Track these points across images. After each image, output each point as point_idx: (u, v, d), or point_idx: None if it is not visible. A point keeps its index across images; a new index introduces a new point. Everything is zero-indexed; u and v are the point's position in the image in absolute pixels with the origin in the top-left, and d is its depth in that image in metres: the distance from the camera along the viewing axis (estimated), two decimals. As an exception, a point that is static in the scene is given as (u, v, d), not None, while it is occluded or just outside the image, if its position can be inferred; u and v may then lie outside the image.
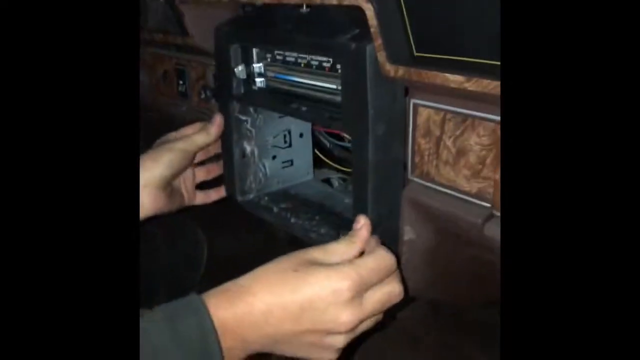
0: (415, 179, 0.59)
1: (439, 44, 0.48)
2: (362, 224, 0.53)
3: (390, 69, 0.52)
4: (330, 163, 0.82)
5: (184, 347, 0.45)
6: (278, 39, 0.65)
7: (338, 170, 0.82)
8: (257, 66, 0.70)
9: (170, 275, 1.31)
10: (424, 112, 0.56)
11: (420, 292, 0.65)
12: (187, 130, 0.77)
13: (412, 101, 0.57)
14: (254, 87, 0.72)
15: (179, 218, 0.84)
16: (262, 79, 0.71)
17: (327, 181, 0.83)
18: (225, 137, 0.76)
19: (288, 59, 0.66)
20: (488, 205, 0.52)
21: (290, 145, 0.80)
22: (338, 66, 0.59)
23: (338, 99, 0.60)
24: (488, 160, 0.51)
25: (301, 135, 0.80)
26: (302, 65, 0.64)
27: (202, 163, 0.81)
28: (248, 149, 0.77)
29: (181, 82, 0.92)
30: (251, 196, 0.79)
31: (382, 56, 0.52)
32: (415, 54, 0.49)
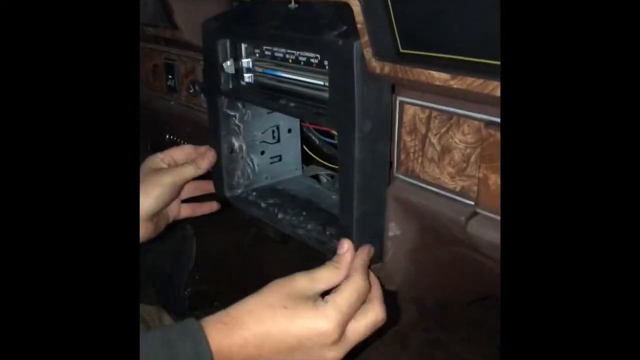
0: (401, 176, 0.60)
1: (424, 41, 0.48)
2: (346, 248, 0.55)
3: (376, 65, 0.53)
4: (319, 160, 0.82)
5: None
6: (266, 35, 0.65)
7: (326, 167, 0.82)
8: (246, 61, 0.70)
9: (158, 271, 1.31)
10: (410, 109, 0.57)
11: (405, 288, 0.65)
12: (176, 152, 0.76)
13: (399, 99, 0.57)
14: (242, 83, 0.72)
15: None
16: (250, 75, 0.71)
17: (316, 178, 0.83)
18: (213, 133, 0.76)
19: (276, 54, 0.66)
20: (471, 203, 0.53)
21: (278, 141, 0.80)
22: (326, 62, 0.59)
23: (325, 95, 0.60)
24: (472, 158, 0.52)
25: (290, 130, 0.80)
26: (290, 61, 0.64)
27: None
28: (236, 144, 0.76)
29: (170, 76, 0.92)
30: (239, 192, 0.79)
31: (368, 53, 0.53)
32: (401, 50, 0.49)
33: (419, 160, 0.57)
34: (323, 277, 0.54)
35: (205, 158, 0.74)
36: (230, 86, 0.72)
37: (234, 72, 0.70)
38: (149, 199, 0.70)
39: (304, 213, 0.72)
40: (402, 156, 0.59)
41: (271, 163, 0.80)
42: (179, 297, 1.29)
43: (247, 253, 1.24)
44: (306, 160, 0.84)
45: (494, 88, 0.44)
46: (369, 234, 0.60)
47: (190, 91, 0.84)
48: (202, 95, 0.82)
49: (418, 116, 0.56)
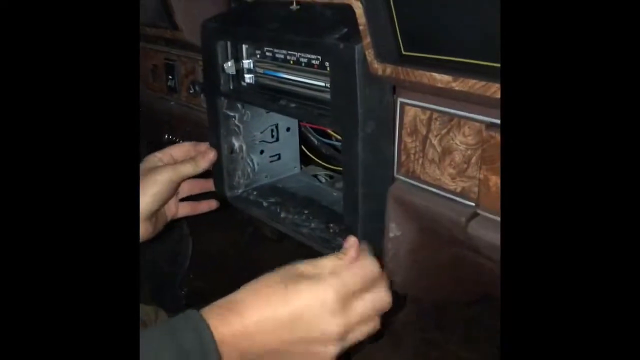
0: (401, 177, 0.60)
1: (426, 43, 0.48)
2: (352, 243, 0.54)
3: (378, 67, 0.53)
4: (318, 160, 0.83)
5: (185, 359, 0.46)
6: (267, 37, 0.65)
7: (325, 168, 0.83)
8: (247, 62, 0.71)
9: (155, 270, 1.31)
10: (411, 110, 0.57)
11: (404, 288, 0.66)
12: (175, 150, 0.76)
13: (400, 100, 0.58)
14: (243, 83, 0.72)
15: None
16: (251, 75, 0.71)
17: (314, 178, 0.84)
18: (213, 133, 0.76)
19: (277, 55, 0.67)
20: (472, 204, 0.53)
21: (277, 140, 0.80)
22: (327, 64, 0.60)
23: (327, 96, 0.60)
24: (473, 160, 0.52)
25: (288, 129, 0.81)
26: (291, 62, 0.65)
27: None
28: (236, 144, 0.77)
29: (170, 77, 0.92)
30: (240, 191, 0.79)
31: (370, 54, 0.53)
32: (403, 52, 0.50)
33: (420, 161, 0.58)
34: (326, 264, 0.52)
35: (205, 157, 0.74)
36: (231, 87, 0.72)
37: (234, 72, 0.71)
38: (145, 197, 0.70)
39: (306, 211, 0.72)
40: (403, 157, 0.59)
41: (270, 162, 0.81)
42: (175, 296, 1.29)
43: (244, 252, 1.24)
44: (305, 160, 0.84)
45: (496, 90, 0.45)
46: (373, 233, 0.61)
47: (191, 92, 0.84)
48: (202, 95, 0.82)
49: (419, 117, 0.57)
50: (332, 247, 0.65)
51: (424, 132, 0.56)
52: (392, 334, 0.84)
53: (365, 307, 0.51)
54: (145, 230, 0.72)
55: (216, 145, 0.76)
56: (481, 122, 0.51)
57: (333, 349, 0.50)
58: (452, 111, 0.53)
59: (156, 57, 0.96)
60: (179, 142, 0.96)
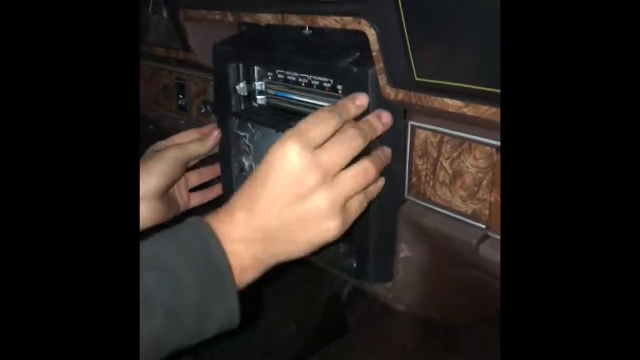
0: (412, 198, 0.61)
1: (439, 69, 0.49)
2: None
3: (390, 92, 0.54)
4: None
5: (188, 254, 0.47)
6: (279, 60, 0.67)
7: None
8: (259, 84, 0.72)
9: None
10: (422, 133, 0.58)
11: (414, 309, 0.66)
12: (180, 137, 0.78)
13: (410, 123, 0.59)
14: (254, 104, 0.73)
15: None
16: (262, 97, 0.72)
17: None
18: (224, 153, 0.77)
19: (289, 77, 0.68)
20: (483, 226, 0.54)
21: None
22: (339, 86, 0.61)
23: (338, 118, 0.61)
24: (484, 183, 0.53)
25: None
26: (303, 84, 0.66)
27: (193, 167, 0.82)
28: (246, 163, 0.78)
29: (181, 96, 0.93)
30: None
31: (382, 79, 0.54)
32: (417, 79, 0.51)
33: (431, 183, 0.58)
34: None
35: (212, 137, 0.75)
36: (242, 107, 0.73)
37: (246, 94, 0.72)
38: (151, 177, 0.70)
39: None
40: (414, 179, 0.60)
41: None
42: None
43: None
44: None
45: (508, 117, 0.46)
46: (384, 254, 0.61)
47: (202, 111, 0.85)
48: (213, 115, 0.84)
49: (429, 140, 0.57)
50: (342, 267, 0.65)
51: (434, 154, 0.57)
52: (402, 355, 0.84)
53: (338, 154, 0.50)
54: (156, 210, 0.72)
55: (226, 165, 0.77)
56: (492, 145, 0.52)
57: (323, 197, 0.49)
58: (463, 135, 0.54)
59: (166, 76, 0.97)
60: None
